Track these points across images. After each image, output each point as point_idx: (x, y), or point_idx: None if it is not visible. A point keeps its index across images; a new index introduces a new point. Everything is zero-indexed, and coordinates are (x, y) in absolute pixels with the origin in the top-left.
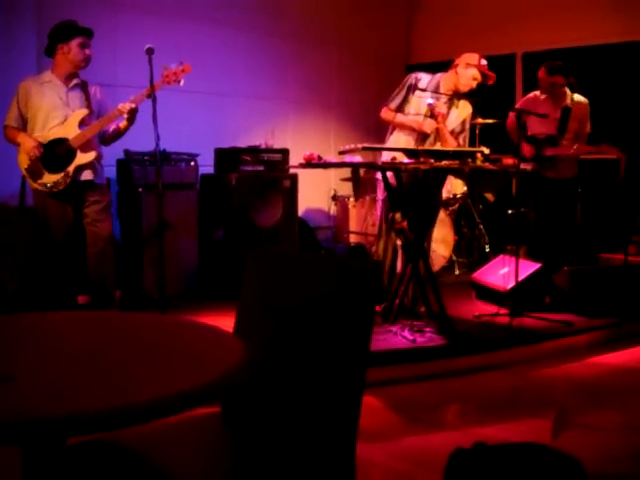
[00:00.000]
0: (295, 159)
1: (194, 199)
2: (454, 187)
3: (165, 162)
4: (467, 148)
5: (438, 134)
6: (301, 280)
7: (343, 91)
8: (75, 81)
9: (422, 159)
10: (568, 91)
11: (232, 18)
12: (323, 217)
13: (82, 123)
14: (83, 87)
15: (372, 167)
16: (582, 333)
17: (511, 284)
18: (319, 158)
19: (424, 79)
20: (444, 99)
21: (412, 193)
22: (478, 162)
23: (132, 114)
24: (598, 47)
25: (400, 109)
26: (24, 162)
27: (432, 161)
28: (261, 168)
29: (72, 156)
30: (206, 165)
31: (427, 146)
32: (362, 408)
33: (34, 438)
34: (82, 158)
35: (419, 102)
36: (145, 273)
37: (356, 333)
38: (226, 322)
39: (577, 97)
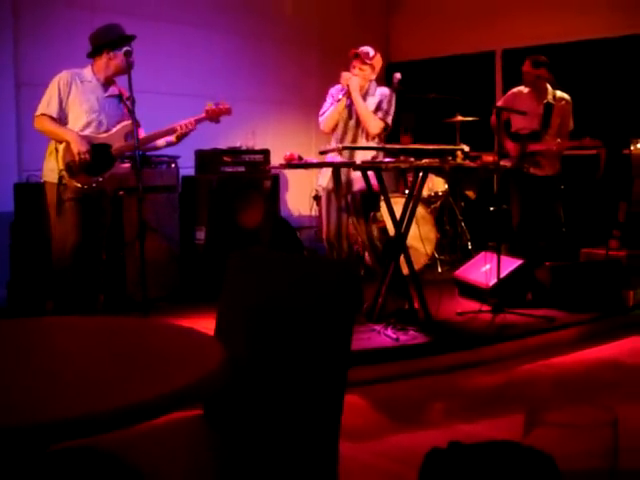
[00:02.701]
0: (276, 160)
1: (175, 201)
2: (435, 185)
3: (145, 165)
4: (447, 146)
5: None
6: (281, 281)
7: (323, 91)
8: (113, 89)
9: (402, 157)
10: (550, 87)
11: (212, 20)
12: (305, 217)
13: (127, 134)
14: (121, 97)
15: (352, 166)
16: (564, 328)
17: (493, 281)
18: (300, 158)
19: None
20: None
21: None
22: (458, 160)
23: (185, 136)
24: (578, 43)
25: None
26: (66, 158)
27: (412, 159)
28: (242, 169)
29: (110, 164)
30: (187, 167)
31: (350, 133)
32: (346, 407)
33: (11, 446)
34: (119, 169)
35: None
36: (127, 276)
37: (336, 333)
38: (208, 324)
39: (559, 93)
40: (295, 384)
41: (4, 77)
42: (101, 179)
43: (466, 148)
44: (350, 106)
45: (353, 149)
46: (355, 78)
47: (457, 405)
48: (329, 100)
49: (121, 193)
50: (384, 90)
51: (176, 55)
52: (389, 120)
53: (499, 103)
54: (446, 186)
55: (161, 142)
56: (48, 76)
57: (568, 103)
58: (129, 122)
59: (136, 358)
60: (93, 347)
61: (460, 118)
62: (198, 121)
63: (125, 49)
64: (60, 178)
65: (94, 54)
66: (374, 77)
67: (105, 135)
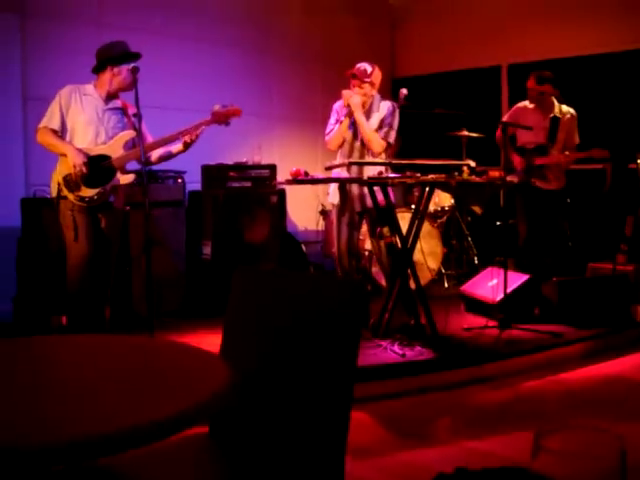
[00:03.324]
0: (283, 174)
1: (182, 216)
2: (442, 200)
3: (152, 180)
4: (453, 161)
5: (357, 139)
6: (287, 298)
7: (328, 106)
8: (116, 102)
9: (408, 173)
10: (556, 102)
11: (219, 36)
12: (311, 232)
13: (127, 144)
14: (124, 110)
15: (359, 182)
16: (571, 344)
17: (500, 296)
18: (306, 174)
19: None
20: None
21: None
22: (465, 175)
23: (193, 142)
24: (583, 58)
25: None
26: (63, 171)
27: (419, 175)
28: (248, 184)
29: (111, 175)
30: (193, 182)
31: (356, 151)
32: (352, 424)
33: (18, 466)
34: (121, 179)
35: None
36: (133, 291)
37: (343, 350)
38: (214, 339)
39: (565, 108)
40: (301, 401)
41: (12, 92)
42: (103, 191)
43: (472, 163)
44: (354, 125)
45: (360, 164)
46: (356, 96)
47: (463, 422)
48: (333, 117)
49: (127, 208)
50: (388, 104)
51: (183, 70)
52: (391, 138)
53: (504, 118)
54: (452, 201)
55: (171, 150)
56: (55, 91)
57: (573, 117)
58: (128, 132)
59: (140, 379)
60: (98, 368)
61: (466, 133)
62: (204, 125)
63: (132, 65)
64: (58, 191)
65: (98, 69)
66: (375, 92)
67: (104, 146)
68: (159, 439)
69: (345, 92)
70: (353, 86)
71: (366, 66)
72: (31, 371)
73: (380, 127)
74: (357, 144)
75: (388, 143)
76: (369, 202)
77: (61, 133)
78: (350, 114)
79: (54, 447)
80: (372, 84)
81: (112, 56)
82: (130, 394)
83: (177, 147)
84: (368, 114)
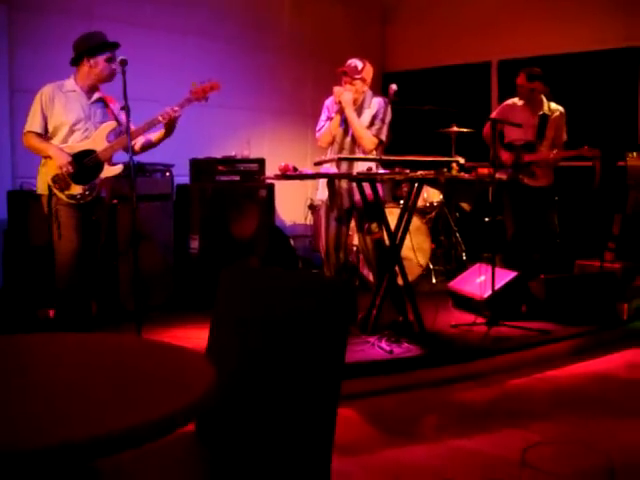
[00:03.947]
0: (272, 169)
1: (169, 210)
2: (430, 195)
3: (140, 173)
4: (442, 158)
5: (348, 135)
6: (274, 296)
7: (318, 100)
8: (97, 95)
9: (397, 169)
10: (545, 99)
11: (208, 29)
12: (300, 226)
13: (109, 136)
14: (105, 102)
15: (348, 178)
16: (559, 341)
17: (488, 293)
18: (294, 169)
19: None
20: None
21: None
22: (454, 172)
23: (172, 123)
24: (573, 55)
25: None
26: (51, 172)
27: (407, 171)
28: (237, 178)
29: (99, 169)
30: (181, 175)
31: (347, 146)
32: (339, 421)
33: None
34: (109, 171)
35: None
36: (120, 285)
37: (330, 349)
38: (201, 334)
39: (554, 105)
40: (287, 399)
41: None
42: (93, 185)
43: (461, 160)
44: (345, 122)
45: (349, 160)
46: (347, 93)
47: (451, 419)
48: (324, 114)
49: (115, 202)
50: (380, 100)
51: (172, 63)
52: (383, 135)
53: (493, 115)
54: (441, 197)
55: (150, 139)
56: (42, 83)
57: (562, 115)
58: (109, 123)
59: (124, 381)
60: (87, 367)
61: (456, 129)
62: (184, 104)
63: (120, 58)
64: (50, 191)
65: (76, 62)
66: (367, 88)
67: (87, 141)
68: (152, 440)
69: (336, 89)
70: (344, 83)
71: (357, 62)
72: (18, 371)
73: (372, 124)
74: (348, 141)
75: (380, 140)
76: (358, 198)
77: (45, 134)
78: (341, 111)
79: (46, 449)
80: (363, 80)
81: (88, 47)
82: (120, 395)
83: (157, 134)
84: (359, 111)
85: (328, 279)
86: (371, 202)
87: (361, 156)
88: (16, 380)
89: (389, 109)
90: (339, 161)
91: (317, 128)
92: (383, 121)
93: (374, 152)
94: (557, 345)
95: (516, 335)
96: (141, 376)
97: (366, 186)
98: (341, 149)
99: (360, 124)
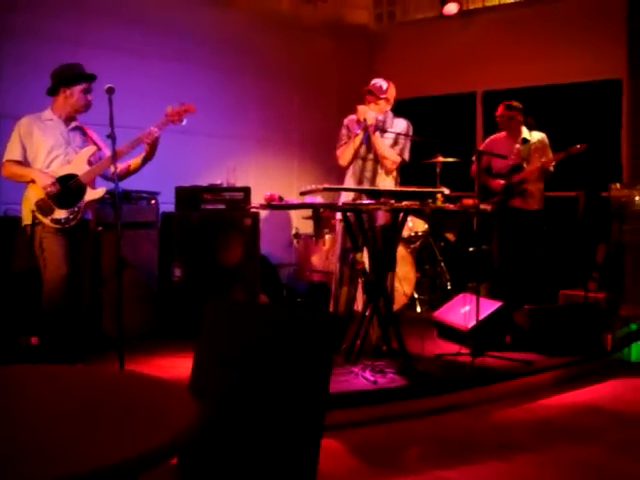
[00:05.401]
0: (257, 197)
1: (154, 237)
2: (415, 225)
3: (125, 200)
4: (428, 189)
5: (371, 153)
6: (258, 331)
7: (305, 130)
8: (74, 123)
9: (383, 200)
10: (525, 129)
11: (194, 56)
12: (285, 255)
13: (90, 160)
14: (82, 130)
15: (333, 208)
16: (542, 372)
17: (472, 323)
18: (280, 199)
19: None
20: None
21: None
22: (439, 203)
23: (154, 144)
24: (558, 86)
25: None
26: (34, 197)
27: (393, 202)
28: (222, 207)
29: (82, 192)
30: (167, 203)
31: (369, 167)
32: (322, 452)
33: None
34: (92, 194)
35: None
36: (104, 312)
37: (313, 384)
38: (184, 362)
39: (535, 134)
40: (271, 432)
41: None
42: (77, 209)
43: (446, 191)
44: (367, 140)
45: (335, 190)
46: (372, 112)
47: (434, 451)
48: (344, 132)
49: (100, 229)
50: (402, 122)
51: (158, 90)
52: (406, 155)
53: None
54: (426, 226)
55: (129, 164)
56: (30, 109)
57: (544, 139)
58: (89, 148)
59: (105, 417)
60: (60, 402)
61: (441, 159)
62: (160, 127)
63: (107, 86)
64: (33, 218)
65: (52, 92)
66: (389, 108)
67: (68, 166)
68: (135, 476)
69: (361, 107)
70: (368, 102)
71: (382, 82)
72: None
73: (395, 143)
74: (370, 157)
75: (403, 159)
76: (379, 222)
77: (25, 162)
78: (365, 129)
79: None
80: (387, 100)
81: (64, 78)
82: (103, 430)
83: (135, 160)
84: (382, 131)
85: (310, 314)
86: (355, 232)
87: (348, 187)
88: None
89: (411, 131)
90: (324, 191)
91: (337, 145)
92: (405, 144)
93: (394, 172)
94: (541, 376)
95: (500, 366)
96: (122, 412)
97: (350, 216)
98: (363, 169)
99: (384, 143)
